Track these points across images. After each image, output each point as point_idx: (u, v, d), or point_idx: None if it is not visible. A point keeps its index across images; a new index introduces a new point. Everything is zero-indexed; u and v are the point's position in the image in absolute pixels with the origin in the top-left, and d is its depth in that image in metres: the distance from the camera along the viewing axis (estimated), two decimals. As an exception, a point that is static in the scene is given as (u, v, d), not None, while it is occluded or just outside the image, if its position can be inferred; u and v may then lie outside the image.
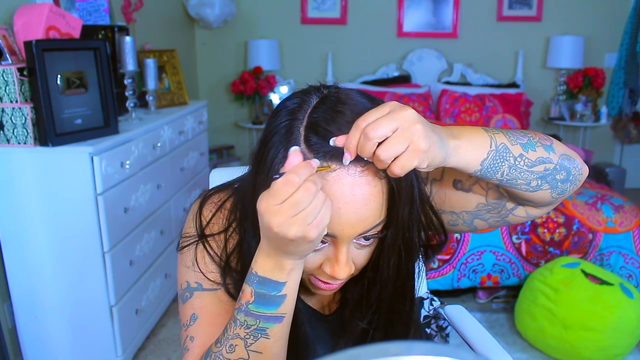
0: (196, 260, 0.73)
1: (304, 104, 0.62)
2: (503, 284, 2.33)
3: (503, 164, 0.63)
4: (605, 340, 1.91)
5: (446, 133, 0.58)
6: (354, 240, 0.64)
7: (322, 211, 0.53)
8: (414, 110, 0.54)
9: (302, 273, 0.66)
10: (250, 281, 0.59)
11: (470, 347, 0.98)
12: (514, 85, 3.83)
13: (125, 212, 1.87)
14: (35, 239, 1.74)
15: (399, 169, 0.53)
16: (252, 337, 0.60)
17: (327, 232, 0.60)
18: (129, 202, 1.90)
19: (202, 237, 0.73)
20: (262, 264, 0.58)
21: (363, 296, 0.74)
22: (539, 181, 0.66)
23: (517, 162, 0.63)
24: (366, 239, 0.64)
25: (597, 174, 3.50)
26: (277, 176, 0.53)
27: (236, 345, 0.61)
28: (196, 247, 0.73)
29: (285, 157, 0.58)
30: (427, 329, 0.98)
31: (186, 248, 0.74)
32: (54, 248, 1.75)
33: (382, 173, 0.60)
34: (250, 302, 0.59)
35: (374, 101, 0.64)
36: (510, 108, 3.59)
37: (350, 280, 0.74)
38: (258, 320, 0.60)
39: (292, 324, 0.72)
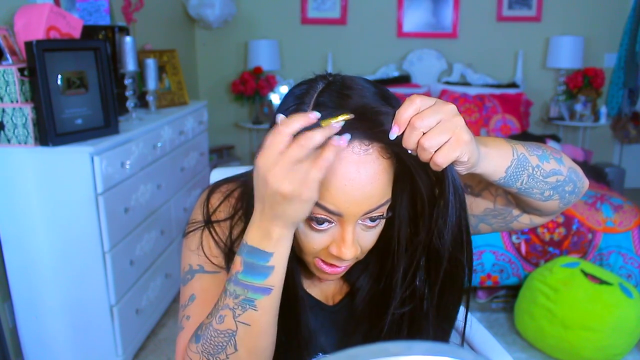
0: (201, 244, 0.74)
1: (311, 89, 0.64)
2: (503, 284, 2.33)
3: (523, 172, 0.66)
4: (605, 339, 1.91)
5: (477, 140, 0.61)
6: (360, 222, 0.64)
7: (313, 173, 0.53)
8: (455, 107, 0.57)
9: (308, 256, 0.67)
10: (241, 251, 0.61)
11: (470, 347, 0.98)
12: (513, 85, 3.84)
13: (125, 212, 1.87)
14: (36, 238, 1.74)
15: (442, 159, 0.56)
16: (240, 307, 0.61)
17: (334, 211, 0.61)
18: (129, 202, 1.90)
19: (208, 223, 0.75)
20: (252, 234, 0.60)
21: (376, 287, 0.74)
22: (551, 191, 0.70)
23: (534, 172, 0.67)
24: (372, 220, 0.65)
25: (597, 174, 3.50)
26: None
27: (225, 315, 0.62)
28: (202, 232, 0.75)
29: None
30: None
31: (192, 233, 0.76)
32: (54, 248, 1.75)
33: (387, 153, 0.61)
34: (240, 271, 0.60)
35: (378, 87, 0.65)
36: (509, 108, 3.59)
37: (357, 269, 0.75)
38: (246, 290, 0.60)
39: (292, 311, 0.72)
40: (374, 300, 0.75)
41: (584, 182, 0.75)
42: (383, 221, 0.67)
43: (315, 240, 0.65)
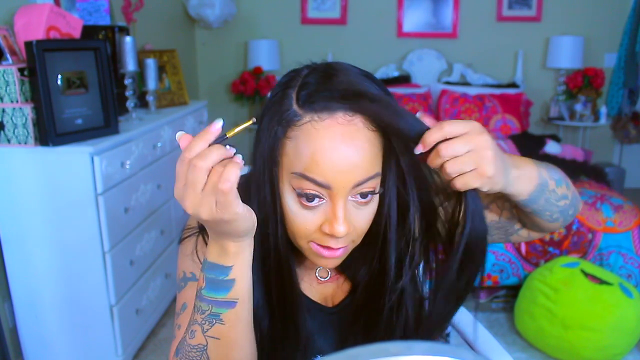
0: (195, 250, 0.75)
1: (297, 75, 0.65)
2: (503, 284, 2.33)
3: (542, 196, 0.68)
4: (605, 339, 1.91)
5: (511, 162, 0.63)
6: (351, 198, 0.64)
7: (219, 198, 0.52)
8: (490, 137, 0.58)
9: (302, 240, 0.67)
10: (202, 267, 0.62)
11: (470, 346, 0.98)
12: (513, 85, 3.84)
13: (125, 212, 1.87)
14: (36, 238, 1.74)
15: (460, 184, 0.58)
16: (207, 322, 0.62)
17: (322, 182, 0.61)
18: (129, 202, 1.90)
19: (203, 229, 0.75)
20: (210, 250, 0.61)
21: (373, 278, 0.74)
22: (558, 214, 0.73)
23: (550, 196, 0.69)
24: (363, 196, 0.64)
25: (597, 174, 3.50)
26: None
27: (195, 331, 0.62)
28: (196, 238, 0.75)
29: (278, 119, 0.62)
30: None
31: (187, 239, 0.76)
32: (54, 248, 1.75)
33: (372, 125, 0.61)
34: (203, 287, 0.61)
35: (362, 70, 0.66)
36: (509, 108, 3.59)
37: (354, 263, 0.74)
38: (210, 306, 0.61)
39: (289, 315, 0.72)
40: (373, 294, 0.75)
41: (580, 205, 0.79)
42: (376, 198, 0.67)
43: (307, 220, 0.64)
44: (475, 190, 0.62)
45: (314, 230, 0.65)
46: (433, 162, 0.58)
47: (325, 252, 0.66)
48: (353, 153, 0.60)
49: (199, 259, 0.74)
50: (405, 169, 0.66)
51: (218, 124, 0.54)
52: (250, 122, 0.58)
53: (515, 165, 0.63)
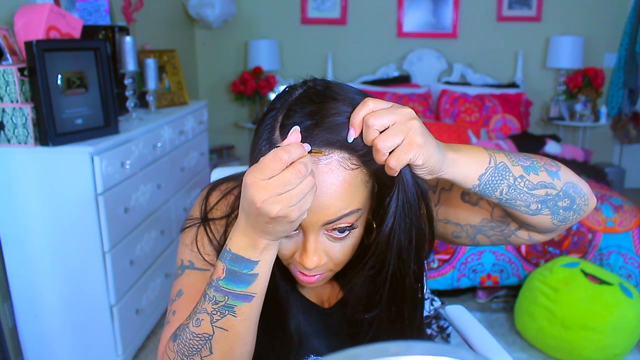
0: (195, 240, 0.76)
1: (290, 96, 0.64)
2: (503, 284, 2.33)
3: (502, 182, 0.64)
4: (605, 339, 1.91)
5: (445, 145, 0.61)
6: (325, 232, 0.64)
7: (307, 195, 0.54)
8: (413, 111, 0.57)
9: (283, 261, 0.68)
10: (223, 258, 0.60)
11: (470, 346, 0.98)
12: (513, 85, 3.84)
13: (125, 212, 1.87)
14: (36, 238, 1.74)
15: (395, 162, 0.56)
16: (219, 313, 0.61)
17: None
18: (129, 202, 1.90)
19: (205, 220, 0.76)
20: (237, 241, 0.59)
21: (365, 292, 0.74)
22: (539, 205, 0.67)
23: (517, 183, 0.65)
24: (340, 231, 0.64)
25: (597, 174, 3.50)
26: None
27: (202, 319, 0.62)
28: (197, 229, 0.76)
29: (267, 140, 0.62)
30: (427, 329, 0.98)
31: (188, 229, 0.77)
32: (54, 248, 1.75)
33: (351, 165, 0.60)
34: (221, 278, 0.60)
35: (359, 95, 0.64)
36: (509, 108, 3.59)
37: (349, 273, 0.74)
38: (227, 297, 0.60)
39: (283, 314, 0.73)
40: (367, 297, 0.75)
41: (588, 199, 0.71)
42: (355, 232, 0.66)
43: (282, 246, 0.65)
44: (413, 175, 0.62)
45: (289, 256, 0.66)
46: (366, 137, 0.57)
47: (302, 277, 0.68)
48: (322, 193, 0.60)
49: (198, 249, 0.75)
50: (413, 209, 0.66)
51: (308, 147, 0.56)
52: (325, 153, 0.59)
53: (452, 149, 0.61)
